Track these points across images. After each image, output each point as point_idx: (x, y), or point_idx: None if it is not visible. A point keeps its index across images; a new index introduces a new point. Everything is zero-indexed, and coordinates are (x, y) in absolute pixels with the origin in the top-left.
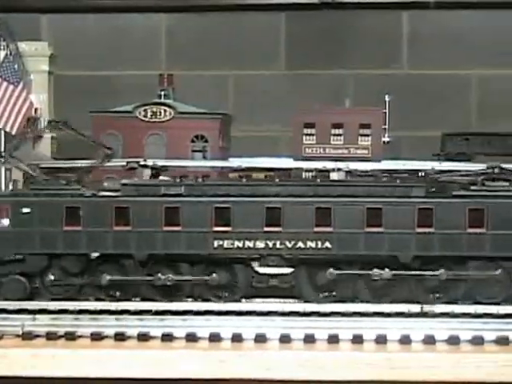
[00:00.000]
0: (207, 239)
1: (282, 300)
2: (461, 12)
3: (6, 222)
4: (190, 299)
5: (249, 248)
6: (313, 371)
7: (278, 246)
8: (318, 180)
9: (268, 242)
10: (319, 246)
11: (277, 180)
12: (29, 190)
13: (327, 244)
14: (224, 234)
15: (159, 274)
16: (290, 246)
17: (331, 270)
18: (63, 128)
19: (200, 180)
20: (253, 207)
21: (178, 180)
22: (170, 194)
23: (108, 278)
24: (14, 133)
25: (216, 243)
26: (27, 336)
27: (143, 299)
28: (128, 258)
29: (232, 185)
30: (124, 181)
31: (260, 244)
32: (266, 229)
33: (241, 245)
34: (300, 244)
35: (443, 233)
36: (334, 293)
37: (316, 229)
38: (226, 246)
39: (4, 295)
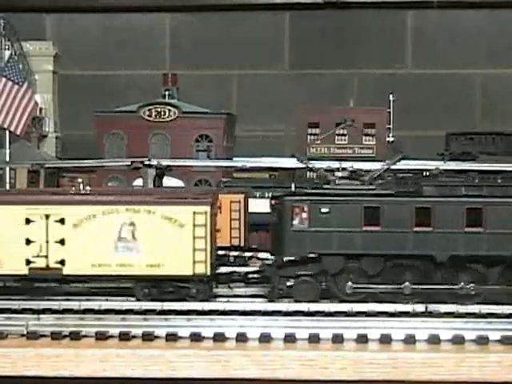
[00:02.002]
0: None
1: (287, 300)
2: (465, 11)
3: (296, 221)
4: None
5: None
6: (317, 371)
7: None
8: None
9: None
10: None
11: None
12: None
13: None
14: None
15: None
16: None
17: None
18: None
19: (500, 181)
20: None
21: (476, 180)
22: (471, 195)
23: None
24: (18, 133)
25: None
26: (32, 336)
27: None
28: (427, 259)
29: None
30: (424, 181)
31: None
32: None
33: None
34: None
35: None
36: None
37: None
38: None
39: (295, 296)
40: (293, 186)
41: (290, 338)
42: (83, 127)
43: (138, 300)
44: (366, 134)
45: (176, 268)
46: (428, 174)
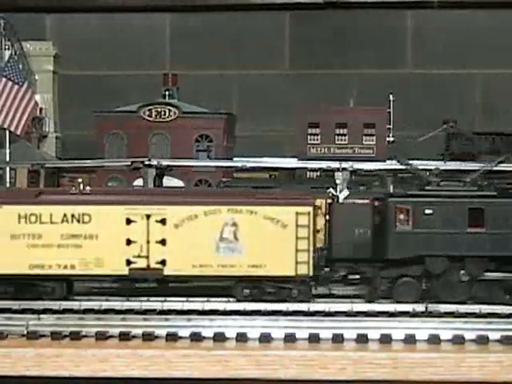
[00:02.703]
0: None
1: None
2: (465, 12)
3: (399, 223)
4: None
5: None
6: (317, 371)
7: None
8: None
9: None
10: None
11: None
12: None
13: None
14: None
15: None
16: None
17: None
18: None
19: None
20: None
21: None
22: None
23: None
24: (18, 133)
25: None
26: (32, 335)
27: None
28: None
29: None
30: None
31: None
32: None
33: None
34: None
35: None
36: None
37: None
38: None
39: (396, 297)
40: (391, 187)
41: (289, 338)
42: (83, 127)
43: (238, 301)
44: (366, 134)
45: (278, 268)
46: (428, 173)
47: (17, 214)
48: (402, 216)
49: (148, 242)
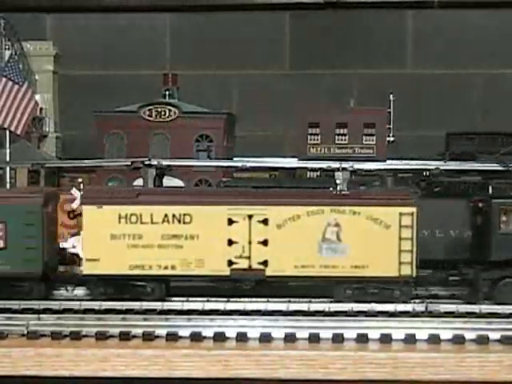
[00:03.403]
0: None
1: (286, 299)
2: (465, 11)
3: (504, 224)
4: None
5: None
6: (317, 371)
7: None
8: None
9: None
10: None
11: None
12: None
13: None
14: None
15: None
16: None
17: None
18: None
19: None
20: None
21: None
22: None
23: None
24: (18, 132)
25: None
26: (32, 335)
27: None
28: None
29: None
30: None
31: None
32: None
33: None
34: None
35: None
36: None
37: None
38: None
39: (498, 299)
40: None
41: (290, 338)
42: (83, 127)
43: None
44: (366, 134)
45: (381, 269)
46: (428, 173)
47: (117, 214)
48: (506, 217)
49: (250, 242)
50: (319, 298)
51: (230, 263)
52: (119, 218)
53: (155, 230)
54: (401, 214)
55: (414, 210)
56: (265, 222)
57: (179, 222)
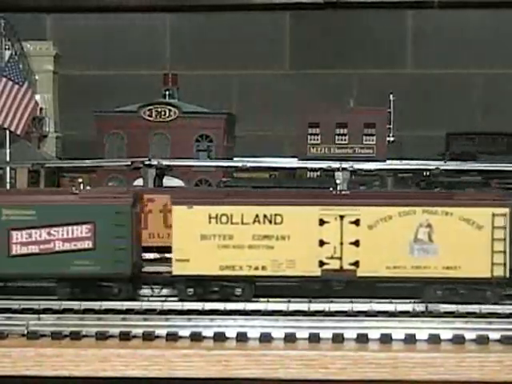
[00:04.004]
0: None
1: (286, 299)
2: (465, 11)
3: None
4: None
5: None
6: (317, 371)
7: None
8: None
9: None
10: None
11: None
12: None
13: None
14: None
15: None
16: None
17: None
18: None
19: None
20: None
21: None
22: None
23: None
24: (18, 133)
25: None
26: (32, 335)
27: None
28: None
29: None
30: None
31: None
32: None
33: None
34: None
35: None
36: None
37: None
38: None
39: None
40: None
41: (290, 338)
42: (83, 127)
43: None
44: (366, 134)
45: (473, 270)
46: (428, 173)
47: (207, 214)
48: None
49: (341, 243)
50: (406, 298)
51: (321, 264)
52: (209, 218)
53: (246, 230)
54: (494, 215)
55: (507, 210)
56: (356, 222)
57: (270, 222)
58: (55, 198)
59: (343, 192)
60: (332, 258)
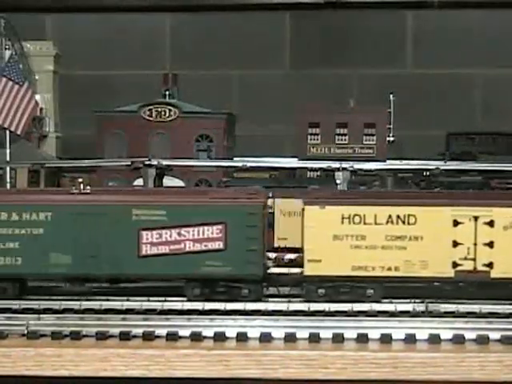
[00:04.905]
0: None
1: (286, 299)
2: (465, 11)
3: None
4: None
5: None
6: (317, 371)
7: None
8: None
9: None
10: None
11: None
12: None
13: None
14: None
15: None
16: None
17: None
18: None
19: None
20: None
21: None
22: None
23: None
24: (19, 132)
25: None
26: (32, 335)
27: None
28: None
29: None
30: None
31: None
32: None
33: None
34: None
35: None
36: None
37: None
38: None
39: None
40: None
41: (290, 338)
42: (83, 127)
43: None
44: (366, 134)
45: None
46: (428, 173)
47: (340, 214)
48: None
49: (475, 244)
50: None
51: (455, 265)
52: (342, 218)
53: (379, 230)
54: None
55: None
56: (490, 223)
57: (403, 222)
58: (186, 198)
59: (475, 192)
60: (466, 259)
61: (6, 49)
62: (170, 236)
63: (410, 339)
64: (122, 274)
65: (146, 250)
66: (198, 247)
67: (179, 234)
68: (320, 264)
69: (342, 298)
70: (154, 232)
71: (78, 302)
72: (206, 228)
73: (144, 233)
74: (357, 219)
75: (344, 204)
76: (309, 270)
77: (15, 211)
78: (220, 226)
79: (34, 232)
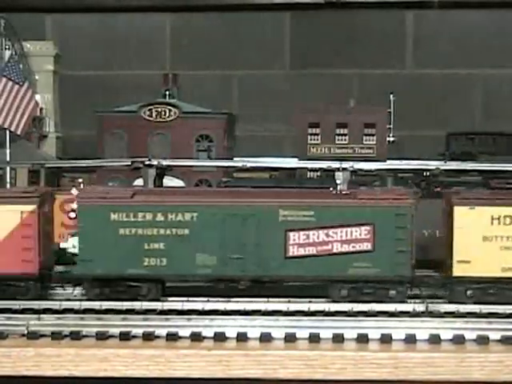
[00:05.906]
0: None
1: (286, 299)
2: (465, 12)
3: None
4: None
5: None
6: (317, 371)
7: None
8: None
9: None
10: None
11: None
12: None
13: None
14: None
15: None
16: None
17: None
18: None
19: None
20: None
21: None
22: None
23: None
24: (19, 133)
25: None
26: (32, 335)
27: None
28: None
29: None
30: None
31: None
32: None
33: None
34: None
35: None
36: None
37: None
38: None
39: None
40: None
41: (290, 338)
42: (83, 127)
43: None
44: (366, 134)
45: None
46: (428, 173)
47: (490, 215)
48: None
49: None
50: None
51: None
52: (492, 219)
53: None
54: None
55: None
56: None
57: None
58: (334, 200)
59: None
60: None
61: (5, 49)
62: (318, 237)
63: (410, 339)
64: (267, 276)
65: (292, 251)
66: (345, 248)
67: (327, 235)
68: (469, 265)
69: (489, 299)
70: (302, 233)
71: (78, 302)
72: (353, 229)
73: (291, 234)
74: (508, 220)
75: (494, 205)
76: (458, 270)
77: (161, 212)
78: (368, 227)
79: (180, 233)
